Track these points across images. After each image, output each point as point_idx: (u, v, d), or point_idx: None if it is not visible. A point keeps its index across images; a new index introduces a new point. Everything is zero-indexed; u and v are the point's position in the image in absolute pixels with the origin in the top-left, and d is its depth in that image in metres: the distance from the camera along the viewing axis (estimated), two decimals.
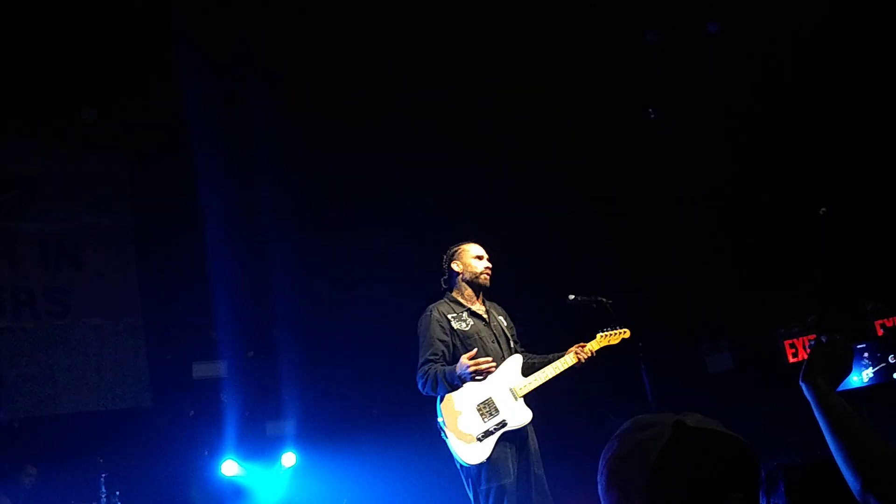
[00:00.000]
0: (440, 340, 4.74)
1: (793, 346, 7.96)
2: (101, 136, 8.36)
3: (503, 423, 4.58)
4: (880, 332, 7.24)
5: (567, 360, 4.80)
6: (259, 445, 8.12)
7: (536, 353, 5.00)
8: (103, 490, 6.89)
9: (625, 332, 5.00)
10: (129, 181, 8.75)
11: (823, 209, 7.62)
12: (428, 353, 4.71)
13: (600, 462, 1.42)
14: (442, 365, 4.67)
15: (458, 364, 4.57)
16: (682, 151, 8.14)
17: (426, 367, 4.68)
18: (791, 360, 7.94)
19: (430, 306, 4.92)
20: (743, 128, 7.95)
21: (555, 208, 8.36)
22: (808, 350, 1.81)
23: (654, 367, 5.30)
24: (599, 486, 1.41)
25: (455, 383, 4.60)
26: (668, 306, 8.16)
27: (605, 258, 8.33)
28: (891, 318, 7.33)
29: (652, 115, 7.98)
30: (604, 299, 5.14)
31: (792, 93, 7.72)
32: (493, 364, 4.63)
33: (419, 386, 4.71)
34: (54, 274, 8.30)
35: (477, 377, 4.56)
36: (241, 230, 8.49)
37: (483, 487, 4.51)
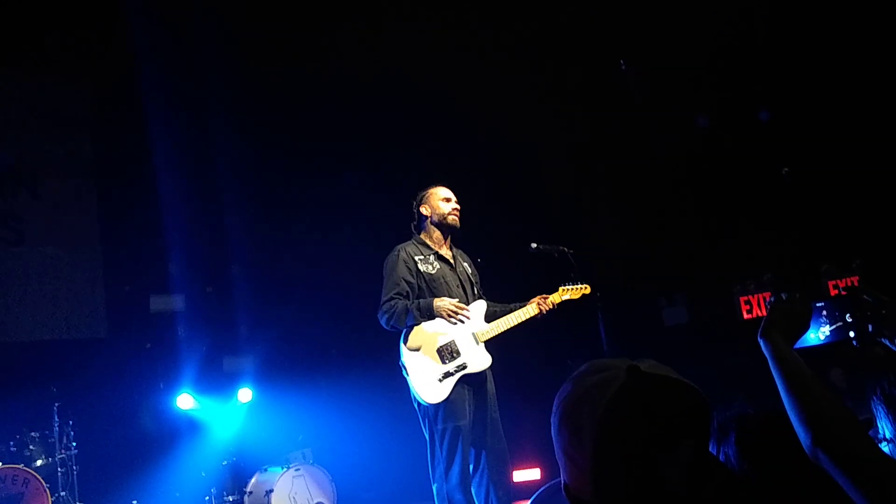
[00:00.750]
0: (406, 281, 4.78)
1: (748, 302, 8.11)
2: (63, 65, 8.14)
3: (463, 366, 4.64)
4: (833, 292, 7.40)
5: (529, 310, 4.87)
6: (215, 380, 8.12)
7: (498, 301, 5.06)
8: (56, 419, 6.86)
9: (585, 287, 5.08)
10: (92, 112, 8.55)
11: (786, 169, 7.71)
12: (393, 292, 4.75)
13: (554, 404, 1.42)
14: (404, 301, 4.73)
15: (438, 299, 4.66)
16: (648, 105, 8.16)
17: (392, 303, 4.72)
18: (746, 316, 8.09)
19: (398, 246, 4.94)
20: (710, 84, 7.96)
21: (520, 158, 8.35)
22: (767, 307, 1.82)
23: (610, 317, 5.35)
24: (552, 428, 1.40)
25: (427, 315, 4.67)
26: (627, 259, 8.24)
27: (569, 209, 8.37)
28: (844, 279, 7.50)
29: (623, 68, 7.97)
30: (566, 249, 5.17)
31: (760, 50, 7.72)
32: (469, 315, 4.71)
33: (382, 321, 4.75)
34: (10, 201, 8.14)
35: (450, 319, 4.64)
36: (201, 165, 8.38)
37: (439, 427, 4.59)
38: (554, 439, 1.40)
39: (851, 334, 1.94)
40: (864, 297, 1.92)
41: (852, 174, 7.59)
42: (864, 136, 7.48)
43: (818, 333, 1.97)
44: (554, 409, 1.41)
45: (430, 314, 4.68)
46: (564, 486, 1.36)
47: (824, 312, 1.97)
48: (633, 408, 1.31)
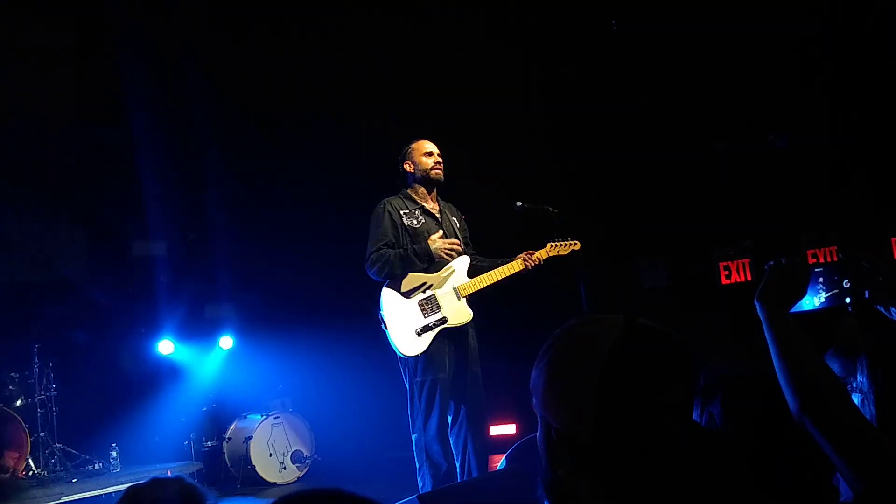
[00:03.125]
0: (391, 233, 4.81)
1: (727, 268, 8.19)
2: (46, 4, 8.00)
3: (443, 320, 4.69)
4: (812, 261, 7.48)
5: (514, 266, 4.89)
6: (197, 327, 8.14)
7: (486, 256, 5.09)
8: (36, 360, 6.88)
9: (575, 244, 5.09)
10: (73, 53, 8.42)
11: (772, 136, 7.74)
12: (381, 243, 4.78)
13: (545, 353, 1.42)
14: (396, 250, 4.76)
15: (430, 241, 4.75)
16: (635, 66, 8.14)
17: (380, 252, 4.74)
18: (724, 281, 8.18)
19: (384, 199, 4.95)
20: (699, 47, 7.93)
21: (504, 116, 8.32)
22: (765, 271, 1.84)
23: (591, 277, 5.40)
24: (541, 374, 1.39)
25: (426, 258, 4.74)
26: (609, 220, 8.28)
27: (553, 169, 8.37)
28: (823, 248, 7.58)
29: (614, 27, 7.94)
30: (550, 208, 5.19)
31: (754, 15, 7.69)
32: (460, 245, 4.81)
33: (373, 272, 4.76)
34: None
35: (446, 255, 4.74)
36: (183, 110, 8.31)
37: (418, 379, 4.66)
38: (542, 386, 1.39)
39: (847, 301, 1.96)
40: (863, 263, 1.94)
41: (836, 145, 7.64)
42: (846, 107, 7.51)
43: (814, 299, 2.00)
44: (546, 357, 1.41)
45: (430, 257, 4.74)
46: (555, 433, 1.38)
47: (821, 279, 1.99)
48: (635, 351, 1.34)
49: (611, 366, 1.32)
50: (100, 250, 8.36)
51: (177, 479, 2.21)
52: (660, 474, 1.32)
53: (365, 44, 7.97)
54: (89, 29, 8.16)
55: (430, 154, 5.01)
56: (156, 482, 2.17)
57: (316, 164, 8.28)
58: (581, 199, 7.90)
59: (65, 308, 7.67)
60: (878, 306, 1.96)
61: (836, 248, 7.62)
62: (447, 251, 4.75)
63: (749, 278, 7.97)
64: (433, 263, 4.80)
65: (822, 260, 7.49)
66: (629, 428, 1.31)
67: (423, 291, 4.73)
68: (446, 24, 7.77)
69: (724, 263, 8.17)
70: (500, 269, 4.88)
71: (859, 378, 2.29)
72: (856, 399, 2.09)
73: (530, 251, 4.97)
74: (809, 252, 7.61)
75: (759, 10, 7.37)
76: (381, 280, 4.78)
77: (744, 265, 8.10)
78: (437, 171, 4.99)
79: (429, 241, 4.75)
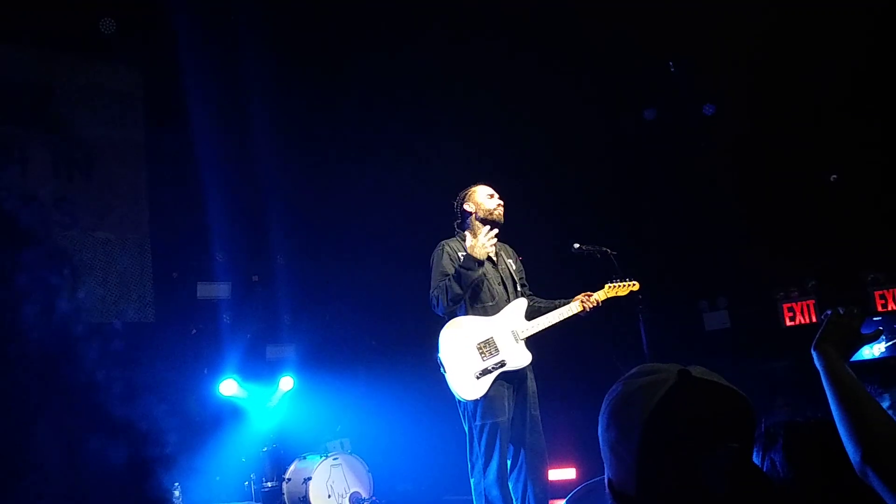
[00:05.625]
0: (452, 272, 4.83)
1: (791, 309, 8.04)
2: (118, 50, 8.30)
3: (502, 364, 4.68)
4: (879, 302, 7.28)
5: (572, 308, 4.87)
6: (259, 368, 8.25)
7: (544, 298, 5.08)
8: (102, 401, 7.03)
9: (634, 284, 5.06)
10: (145, 98, 8.70)
11: (834, 176, 7.62)
12: (439, 280, 4.79)
13: (604, 402, 1.43)
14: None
15: (469, 247, 4.73)
16: (693, 107, 8.13)
17: (439, 285, 4.75)
18: (788, 323, 8.02)
19: (442, 242, 5.00)
20: (756, 87, 7.88)
21: (565, 157, 8.35)
22: (822, 320, 1.82)
23: (652, 319, 5.34)
24: (601, 425, 1.42)
25: (471, 264, 4.70)
26: (670, 262, 8.21)
27: (614, 211, 8.36)
28: (890, 290, 7.39)
29: (672, 70, 7.95)
30: (608, 250, 5.17)
31: (807, 55, 7.62)
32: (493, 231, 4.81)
33: (440, 307, 4.75)
34: (66, 185, 8.31)
35: (488, 241, 4.73)
36: (249, 155, 8.50)
37: (478, 423, 4.64)
38: (601, 436, 1.42)
39: None
40: None
41: None
42: None
43: (873, 349, 1.97)
44: (603, 407, 1.43)
45: (471, 264, 4.70)
46: (608, 482, 1.39)
47: (881, 328, 1.96)
48: (680, 409, 1.32)
49: (653, 423, 1.31)
50: (166, 293, 8.54)
51: None
52: None
53: (426, 90, 8.10)
54: (160, 74, 8.43)
55: (492, 196, 5.07)
56: None
57: (374, 208, 8.40)
58: (641, 241, 7.86)
59: (132, 350, 7.84)
60: None
61: None
62: (484, 242, 4.72)
63: (814, 320, 7.81)
64: (491, 307, 4.81)
65: (891, 300, 7.30)
66: (668, 487, 1.29)
67: (482, 335, 4.73)
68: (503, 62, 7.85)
69: (788, 305, 8.03)
70: (557, 311, 4.86)
71: None
72: None
73: (588, 293, 4.94)
74: (877, 293, 7.42)
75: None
76: (446, 313, 4.75)
77: (808, 306, 7.94)
78: (499, 212, 5.04)
79: (468, 249, 4.74)
